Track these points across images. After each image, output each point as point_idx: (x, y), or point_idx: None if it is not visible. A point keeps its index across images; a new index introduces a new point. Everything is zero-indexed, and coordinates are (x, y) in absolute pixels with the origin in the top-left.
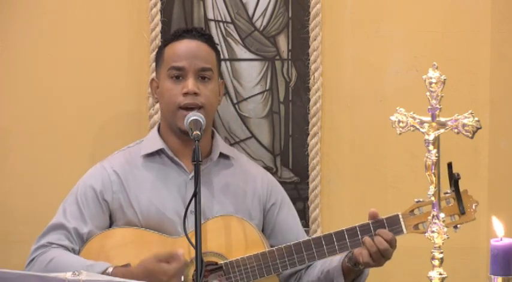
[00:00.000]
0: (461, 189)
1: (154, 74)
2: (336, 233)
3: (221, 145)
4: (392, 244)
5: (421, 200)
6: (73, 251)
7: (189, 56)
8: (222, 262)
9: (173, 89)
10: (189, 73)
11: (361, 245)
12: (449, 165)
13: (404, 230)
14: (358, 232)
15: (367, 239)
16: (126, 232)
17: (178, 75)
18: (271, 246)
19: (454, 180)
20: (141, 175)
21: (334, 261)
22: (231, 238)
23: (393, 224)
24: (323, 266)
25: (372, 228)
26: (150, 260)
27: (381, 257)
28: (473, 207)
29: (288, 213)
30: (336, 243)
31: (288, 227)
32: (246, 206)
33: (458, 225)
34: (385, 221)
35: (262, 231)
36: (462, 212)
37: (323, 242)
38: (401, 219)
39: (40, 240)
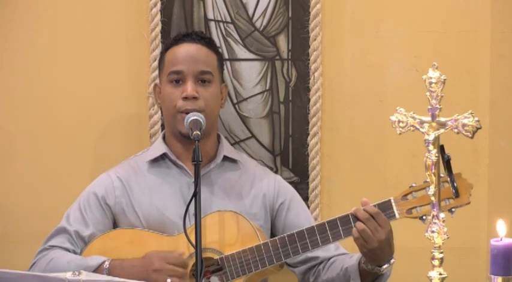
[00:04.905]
0: (455, 173)
1: (158, 80)
2: (328, 222)
3: (226, 149)
4: (378, 218)
5: (414, 184)
6: (74, 253)
7: (188, 60)
8: (218, 257)
9: (173, 93)
10: (188, 77)
11: None
12: (442, 147)
13: (397, 214)
14: (351, 219)
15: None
16: (124, 233)
17: (178, 79)
18: None
19: (445, 161)
20: (145, 180)
21: (353, 259)
22: (226, 233)
23: (385, 209)
24: (343, 262)
25: None
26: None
27: (370, 235)
28: (469, 190)
29: (299, 211)
30: (329, 232)
31: (300, 225)
32: (249, 208)
33: (453, 209)
34: (377, 207)
35: (274, 231)
36: (456, 195)
37: (316, 232)
38: (393, 204)
39: (43, 244)
